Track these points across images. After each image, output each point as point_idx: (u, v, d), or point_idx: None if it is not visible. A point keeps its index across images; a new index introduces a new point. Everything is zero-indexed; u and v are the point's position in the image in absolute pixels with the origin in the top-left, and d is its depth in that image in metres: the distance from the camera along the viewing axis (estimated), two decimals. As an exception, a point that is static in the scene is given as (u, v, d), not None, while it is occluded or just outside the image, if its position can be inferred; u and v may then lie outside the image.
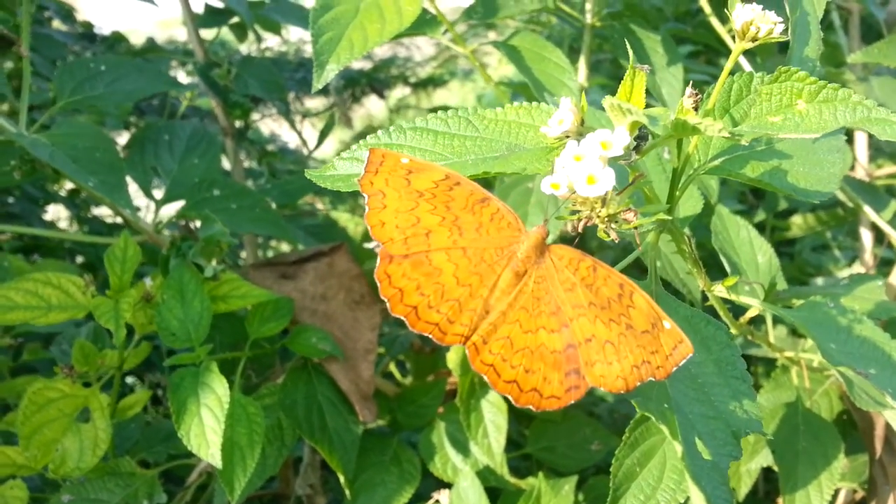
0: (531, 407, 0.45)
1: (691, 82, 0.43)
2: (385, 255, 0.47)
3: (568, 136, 0.44)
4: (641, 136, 0.42)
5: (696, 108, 0.42)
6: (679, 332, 0.42)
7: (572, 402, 0.45)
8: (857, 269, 1.28)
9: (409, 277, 0.47)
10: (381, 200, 0.47)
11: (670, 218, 0.46)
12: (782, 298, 0.67)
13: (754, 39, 0.42)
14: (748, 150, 0.48)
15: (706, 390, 0.44)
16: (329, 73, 0.70)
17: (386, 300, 0.47)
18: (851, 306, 0.55)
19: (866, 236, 1.22)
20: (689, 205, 0.60)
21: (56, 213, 1.78)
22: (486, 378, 0.46)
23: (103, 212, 1.60)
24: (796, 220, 1.42)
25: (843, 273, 1.45)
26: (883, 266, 1.36)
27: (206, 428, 0.77)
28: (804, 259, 1.66)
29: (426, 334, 0.47)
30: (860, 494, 1.07)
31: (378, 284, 0.47)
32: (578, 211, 0.42)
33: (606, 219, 0.41)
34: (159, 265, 0.87)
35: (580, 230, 0.41)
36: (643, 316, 0.43)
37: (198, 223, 1.10)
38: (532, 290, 0.47)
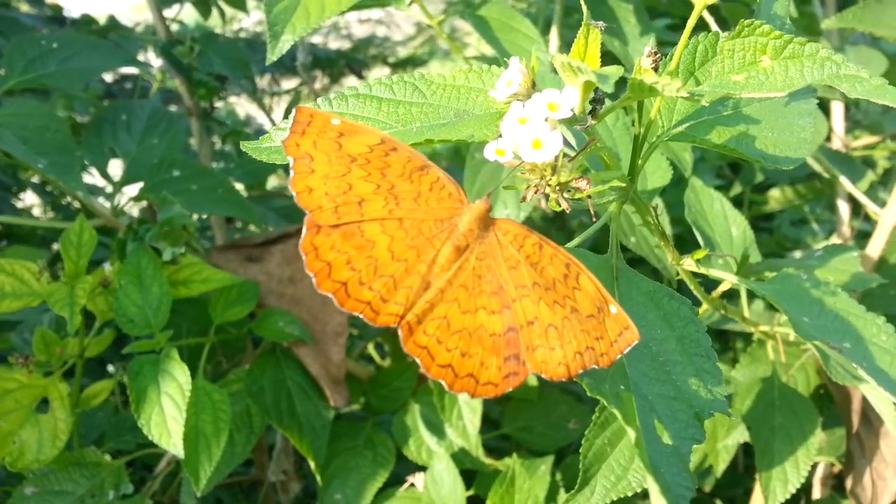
0: (466, 393, 0.42)
1: (651, 41, 0.40)
2: (312, 225, 0.43)
3: (518, 99, 0.41)
4: (597, 100, 0.39)
5: (655, 69, 0.39)
6: (625, 318, 0.40)
7: (509, 389, 0.42)
8: (835, 241, 1.27)
9: (338, 250, 0.43)
10: (308, 164, 0.43)
11: (631, 187, 0.44)
12: (756, 271, 0.65)
13: (716, -10, 0.39)
14: (714, 115, 0.46)
15: (668, 369, 0.41)
16: (284, 44, 0.67)
17: (312, 275, 0.43)
18: (826, 278, 0.53)
19: (843, 208, 1.20)
20: (658, 176, 0.57)
21: (32, 200, 1.73)
22: (418, 361, 0.43)
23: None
24: (774, 193, 1.41)
25: (821, 246, 1.44)
26: (860, 238, 1.35)
27: (166, 416, 0.75)
28: (783, 233, 1.66)
29: (356, 314, 0.43)
30: (837, 468, 1.06)
31: (303, 257, 0.43)
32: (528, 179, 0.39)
33: (557, 187, 0.38)
34: (116, 249, 0.84)
35: (528, 199, 0.38)
36: (589, 299, 0.41)
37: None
38: (473, 266, 0.43)
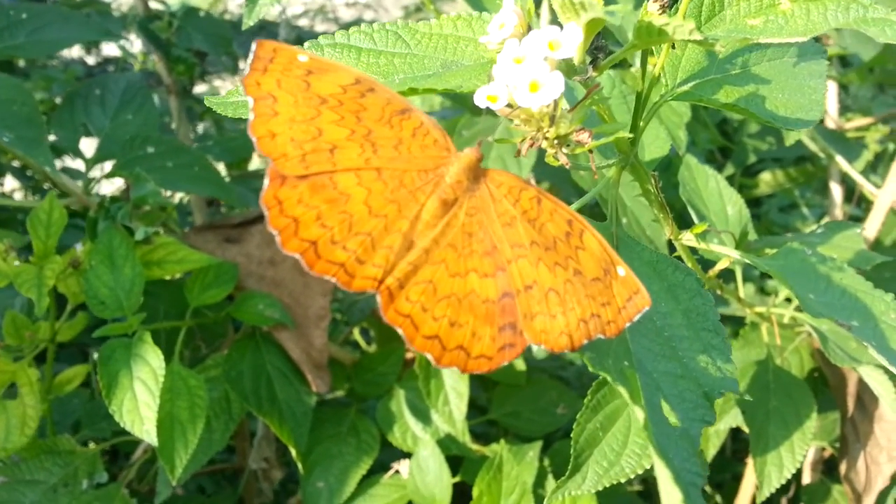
0: (456, 368, 0.38)
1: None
2: (276, 176, 0.37)
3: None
4: (599, 48, 0.36)
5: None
6: (635, 281, 0.36)
7: (504, 363, 0.37)
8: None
9: (306, 204, 0.38)
10: (270, 106, 0.37)
11: (632, 151, 0.41)
12: (754, 249, 0.63)
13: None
14: (722, 74, 0.43)
15: (673, 345, 0.38)
16: (262, 8, 0.63)
17: (276, 233, 0.37)
18: (830, 255, 0.51)
19: (836, 191, 1.19)
20: (656, 146, 0.54)
21: (13, 185, 1.69)
22: (401, 332, 0.38)
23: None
24: (765, 177, 1.39)
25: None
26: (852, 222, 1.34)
27: (139, 403, 0.71)
28: (771, 219, 1.64)
29: (329, 277, 0.38)
30: (828, 453, 1.05)
31: (266, 212, 0.37)
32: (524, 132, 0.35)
33: (556, 140, 0.35)
34: (87, 229, 0.80)
35: (525, 154, 0.35)
36: (594, 260, 0.36)
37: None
38: (463, 223, 0.38)
